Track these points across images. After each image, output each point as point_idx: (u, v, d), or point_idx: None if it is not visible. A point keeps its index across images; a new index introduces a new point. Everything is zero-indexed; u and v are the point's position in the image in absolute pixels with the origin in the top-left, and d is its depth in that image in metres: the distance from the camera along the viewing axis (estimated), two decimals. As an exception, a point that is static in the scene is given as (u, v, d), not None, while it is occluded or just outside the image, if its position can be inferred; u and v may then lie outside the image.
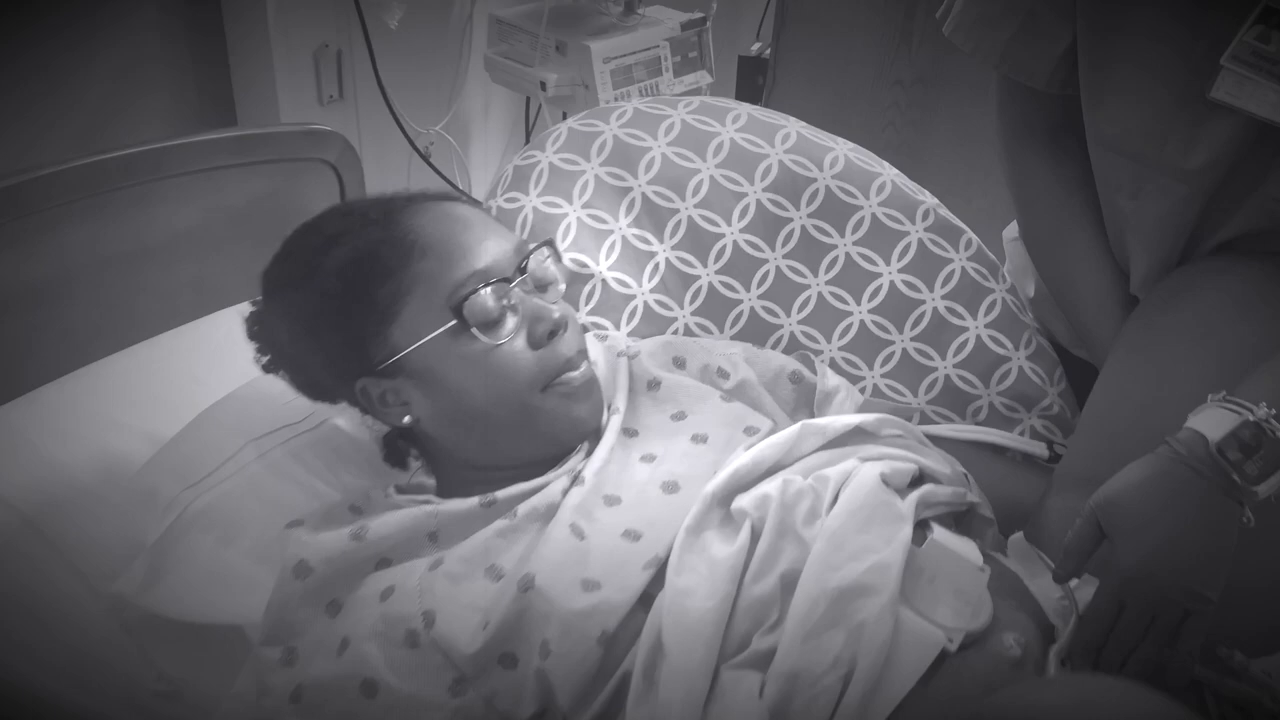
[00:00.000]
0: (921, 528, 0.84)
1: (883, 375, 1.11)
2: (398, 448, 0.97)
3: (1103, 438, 0.90)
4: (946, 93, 1.68)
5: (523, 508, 0.86)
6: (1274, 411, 0.75)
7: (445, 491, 0.93)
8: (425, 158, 1.92)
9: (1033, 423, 1.10)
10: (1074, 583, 0.81)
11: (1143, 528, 0.76)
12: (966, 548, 0.82)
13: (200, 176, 1.33)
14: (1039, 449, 1.06)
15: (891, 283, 1.12)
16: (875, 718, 0.72)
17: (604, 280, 1.10)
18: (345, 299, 0.87)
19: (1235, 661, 0.79)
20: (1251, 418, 0.75)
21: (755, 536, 0.80)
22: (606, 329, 1.10)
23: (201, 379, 1.13)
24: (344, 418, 1.05)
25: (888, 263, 1.12)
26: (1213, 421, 0.77)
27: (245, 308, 0.97)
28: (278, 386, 0.97)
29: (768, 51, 1.87)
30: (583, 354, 0.91)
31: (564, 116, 1.83)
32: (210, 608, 0.92)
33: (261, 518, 0.94)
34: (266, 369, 0.96)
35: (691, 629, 0.74)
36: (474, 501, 0.87)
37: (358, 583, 0.85)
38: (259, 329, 0.96)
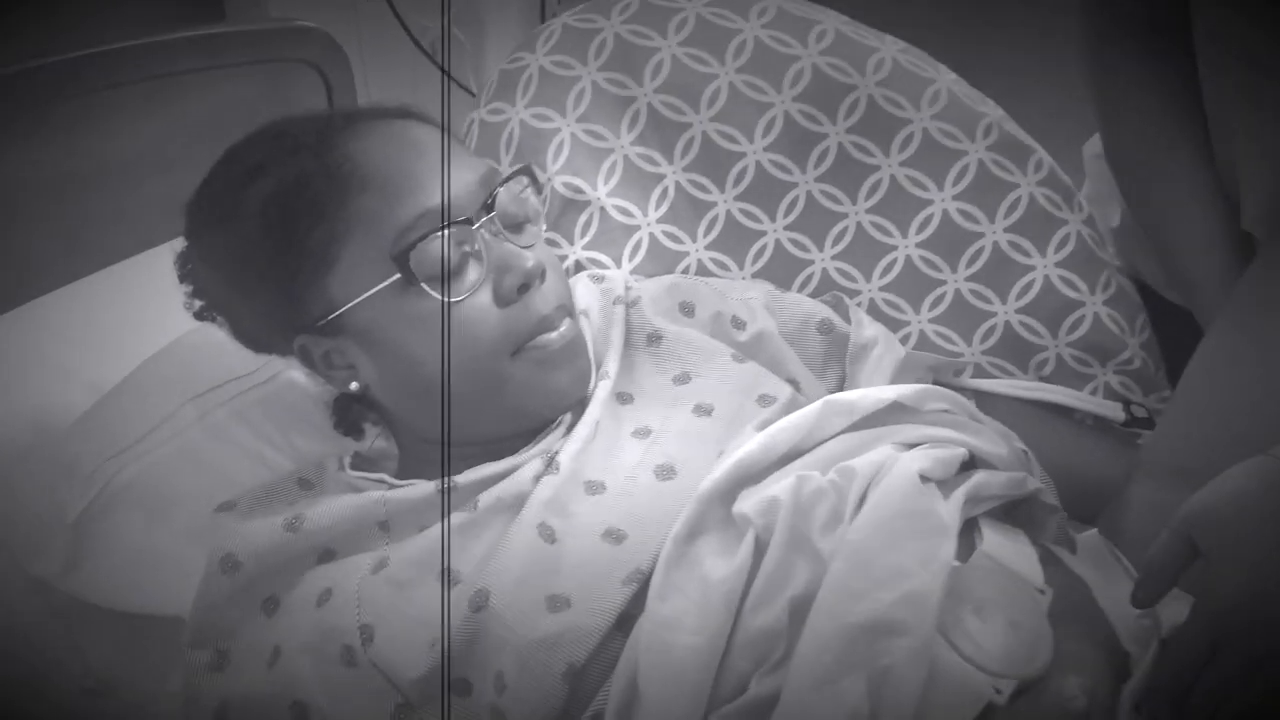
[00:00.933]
0: (969, 530, 0.68)
1: (930, 321, 0.95)
2: (350, 413, 0.83)
3: (1205, 422, 0.76)
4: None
5: (485, 497, 0.72)
6: None
7: (407, 467, 0.81)
8: (431, 57, 1.74)
9: (1108, 379, 0.95)
10: (1162, 604, 0.65)
11: (1249, 550, 0.60)
12: (1024, 560, 0.67)
13: (163, 83, 1.18)
14: (1114, 410, 0.92)
15: (945, 211, 0.95)
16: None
17: (603, 208, 0.95)
18: (272, 243, 0.73)
19: None
20: None
21: (760, 551, 0.64)
22: (605, 267, 0.94)
23: (155, 319, 1.00)
24: (301, 369, 0.91)
25: (940, 188, 0.95)
26: None
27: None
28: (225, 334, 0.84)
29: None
30: (563, 310, 0.77)
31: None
32: (142, 595, 0.81)
33: (198, 492, 0.83)
34: (199, 316, 0.84)
35: (675, 671, 0.60)
36: (430, 487, 0.74)
37: (296, 578, 0.73)
38: (190, 269, 0.82)
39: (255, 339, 0.82)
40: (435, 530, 0.72)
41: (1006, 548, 0.67)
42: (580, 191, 0.94)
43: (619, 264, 0.95)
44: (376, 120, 0.77)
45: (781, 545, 0.64)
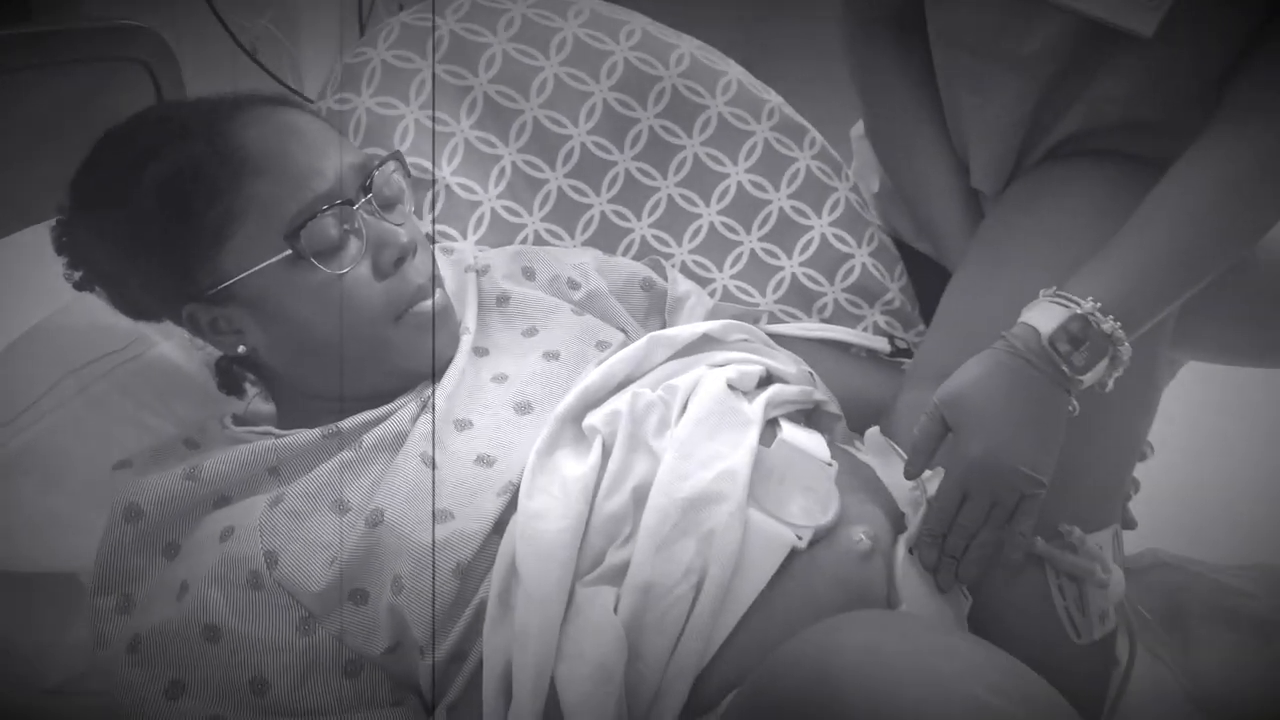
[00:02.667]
0: (771, 428, 0.84)
1: (732, 277, 1.10)
2: (232, 374, 0.90)
3: (957, 335, 0.91)
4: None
5: (369, 438, 0.81)
6: (1099, 305, 0.77)
7: (286, 421, 0.87)
8: (251, 55, 1.77)
9: (876, 318, 1.12)
10: (925, 474, 0.82)
11: (983, 420, 0.78)
12: (815, 444, 0.83)
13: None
14: (881, 344, 1.08)
15: (739, 183, 1.10)
16: (728, 621, 0.72)
17: (448, 186, 1.05)
18: (167, 221, 0.79)
19: (1074, 537, 0.83)
20: (1079, 310, 0.77)
21: (606, 453, 0.78)
22: (454, 239, 1.04)
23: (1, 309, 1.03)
24: (171, 342, 0.97)
25: (735, 163, 1.10)
26: (1044, 315, 0.78)
27: (51, 223, 0.87)
28: (92, 314, 0.88)
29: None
30: (434, 281, 0.86)
31: (400, 7, 1.72)
32: (39, 555, 0.85)
33: (88, 457, 0.87)
34: (79, 286, 0.87)
35: (545, 551, 0.72)
36: (316, 433, 0.82)
37: (195, 524, 0.79)
38: (68, 241, 0.86)
39: (139, 308, 0.87)
40: (325, 467, 0.80)
41: (800, 435, 0.83)
42: (426, 172, 1.04)
43: (465, 236, 1.05)
44: (262, 107, 0.83)
45: (623, 446, 0.78)
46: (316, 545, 0.76)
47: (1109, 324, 0.77)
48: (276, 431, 0.84)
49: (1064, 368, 0.77)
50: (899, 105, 1.06)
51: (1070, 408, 0.78)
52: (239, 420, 0.89)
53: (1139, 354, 0.80)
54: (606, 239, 1.08)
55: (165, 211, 0.78)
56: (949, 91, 1.01)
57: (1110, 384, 0.79)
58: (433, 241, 1.03)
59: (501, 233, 1.06)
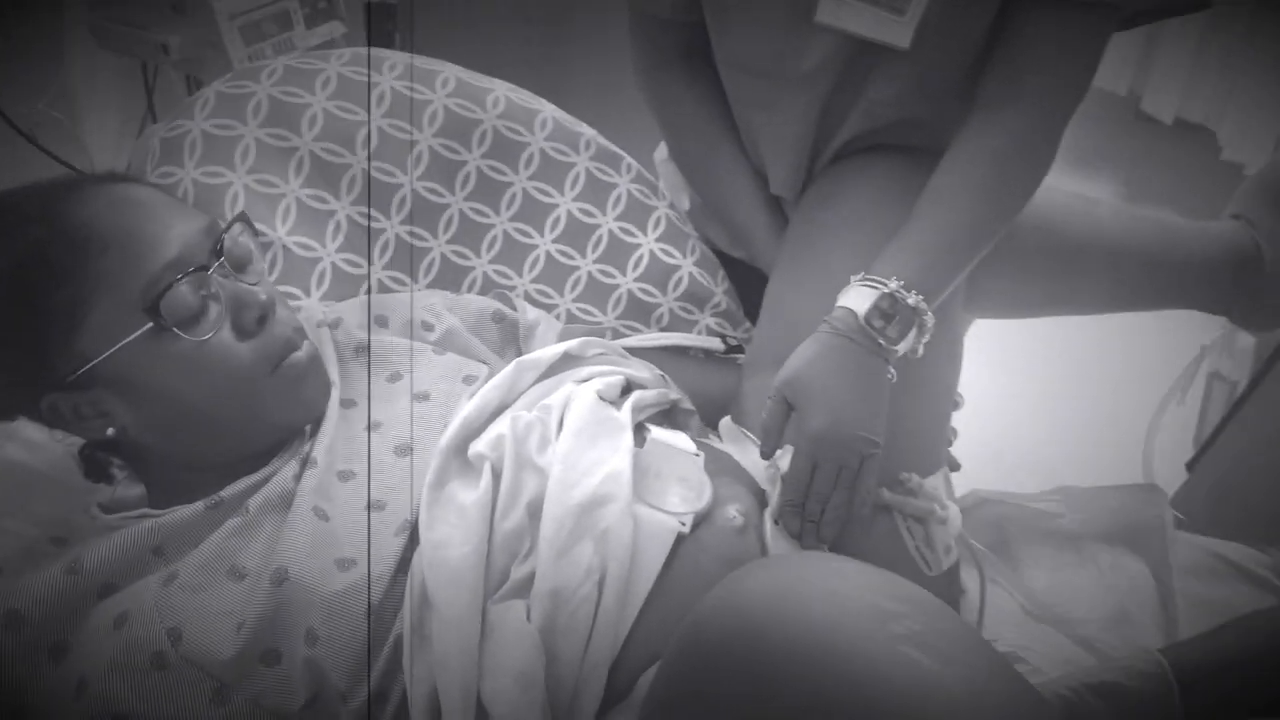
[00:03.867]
0: (639, 430, 0.90)
1: (574, 300, 1.16)
2: (97, 460, 0.88)
3: (784, 324, 0.99)
4: (579, 28, 1.72)
5: (254, 501, 0.81)
6: (902, 283, 0.88)
7: (159, 500, 0.86)
8: (31, 139, 1.69)
9: (707, 321, 1.20)
10: (778, 453, 0.91)
11: (819, 395, 0.87)
12: (680, 440, 0.90)
13: None
14: (715, 344, 1.15)
15: (569, 212, 1.16)
16: (631, 610, 0.78)
17: (285, 246, 1.05)
18: (15, 312, 0.77)
19: (913, 483, 0.93)
20: (887, 290, 0.88)
21: (497, 476, 0.82)
22: (298, 298, 1.05)
23: None
24: (14, 443, 0.93)
25: (562, 193, 1.16)
26: (858, 297, 0.88)
27: None
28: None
29: (396, -6, 1.81)
30: (300, 331, 0.87)
31: (190, 81, 1.69)
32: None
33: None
34: None
35: (453, 576, 0.75)
36: (199, 505, 0.81)
37: (82, 619, 0.77)
38: None
39: None
40: (215, 537, 0.79)
41: (666, 434, 0.90)
42: (262, 234, 1.05)
43: (309, 293, 1.06)
44: (96, 185, 0.82)
45: (511, 467, 0.82)
46: (220, 614, 0.76)
47: (913, 298, 0.88)
48: (153, 511, 0.83)
49: (880, 341, 0.87)
50: (697, 130, 1.15)
51: (890, 374, 0.89)
52: (106, 508, 0.86)
53: (940, 319, 0.91)
54: (450, 279, 1.12)
55: (12, 302, 0.77)
56: (740, 111, 1.11)
57: (920, 349, 0.90)
58: (369, 291, 1.03)
59: (345, 285, 1.08)
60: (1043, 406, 2.01)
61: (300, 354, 0.85)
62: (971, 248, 0.94)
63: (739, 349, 1.16)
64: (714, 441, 0.97)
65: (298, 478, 0.83)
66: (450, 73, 1.15)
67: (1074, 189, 1.14)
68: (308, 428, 0.88)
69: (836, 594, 0.63)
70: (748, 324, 1.21)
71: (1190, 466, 1.29)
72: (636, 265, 1.17)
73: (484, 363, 0.98)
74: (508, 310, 1.05)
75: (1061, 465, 1.30)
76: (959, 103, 0.99)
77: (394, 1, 1.79)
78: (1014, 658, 0.95)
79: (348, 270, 1.08)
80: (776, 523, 0.88)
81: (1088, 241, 1.12)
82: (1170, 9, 0.99)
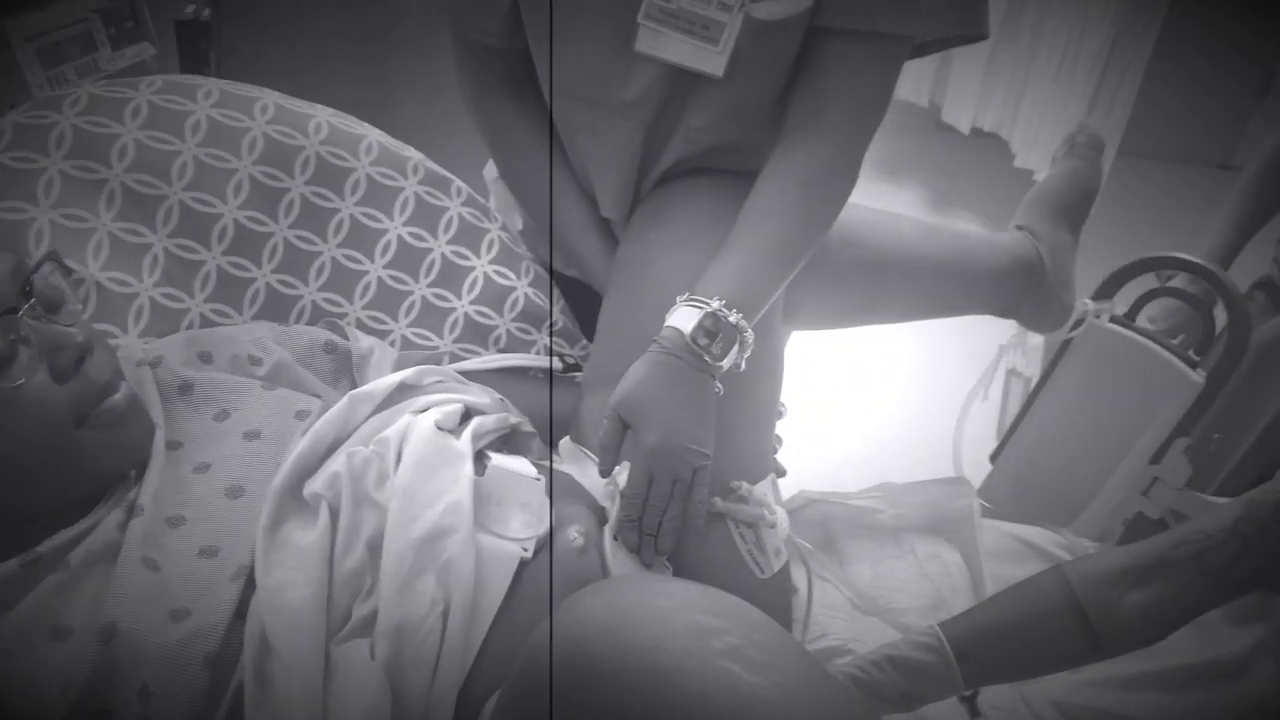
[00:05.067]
0: (480, 458, 0.90)
1: (408, 326, 1.15)
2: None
3: (619, 343, 1.02)
4: (404, 47, 1.70)
5: (76, 555, 0.77)
6: (724, 302, 0.92)
7: None
8: None
9: (545, 340, 1.21)
10: (616, 470, 0.93)
11: (652, 413, 0.89)
12: (521, 465, 0.90)
13: None
14: (555, 362, 1.16)
15: (399, 237, 1.15)
16: (476, 639, 0.78)
17: (98, 284, 1.00)
18: None
19: (743, 490, 0.97)
20: (710, 309, 0.91)
21: (334, 515, 0.81)
22: (114, 335, 1.00)
23: None
24: None
25: (391, 218, 1.14)
26: (684, 317, 0.91)
27: None
28: None
29: (206, 13, 1.74)
30: (119, 374, 0.83)
31: (-13, 102, 1.57)
32: None
33: None
34: None
35: (294, 620, 0.74)
36: (13, 564, 0.76)
37: None
38: None
39: None
40: (32, 597, 0.75)
41: (507, 460, 0.90)
42: (72, 272, 0.99)
43: (125, 331, 1.01)
44: None
45: (349, 505, 0.81)
46: (42, 678, 0.72)
47: (734, 316, 0.91)
48: None
49: (706, 358, 0.90)
50: (526, 153, 1.16)
51: (717, 389, 0.92)
52: None
53: (761, 334, 0.96)
54: (276, 309, 1.09)
55: None
56: (568, 136, 1.12)
57: (743, 364, 0.94)
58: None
59: (164, 321, 1.03)
60: (861, 409, 2.13)
61: (118, 397, 0.81)
62: (786, 266, 0.99)
63: (577, 367, 1.18)
64: (554, 462, 0.98)
65: (123, 526, 0.79)
66: (269, 99, 1.11)
67: (885, 196, 1.22)
68: (132, 473, 0.84)
69: (662, 614, 0.66)
70: (585, 342, 1.23)
71: (993, 458, 1.40)
72: (471, 288, 1.17)
73: (316, 396, 0.96)
74: (339, 340, 1.03)
75: (880, 463, 1.38)
76: (770, 128, 1.04)
77: (206, 19, 1.72)
78: (843, 650, 1.00)
79: (167, 305, 1.04)
80: (615, 538, 0.90)
81: (893, 255, 1.19)
82: (954, 40, 1.07)
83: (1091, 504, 1.29)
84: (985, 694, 0.97)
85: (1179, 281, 1.34)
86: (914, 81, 3.26)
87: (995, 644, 0.88)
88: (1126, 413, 1.28)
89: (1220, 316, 1.30)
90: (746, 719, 0.60)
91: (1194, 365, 1.25)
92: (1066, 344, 1.32)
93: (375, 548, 0.79)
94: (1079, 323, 1.29)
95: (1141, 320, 1.33)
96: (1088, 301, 1.31)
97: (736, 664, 0.62)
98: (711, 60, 0.99)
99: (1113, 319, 1.31)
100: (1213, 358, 1.27)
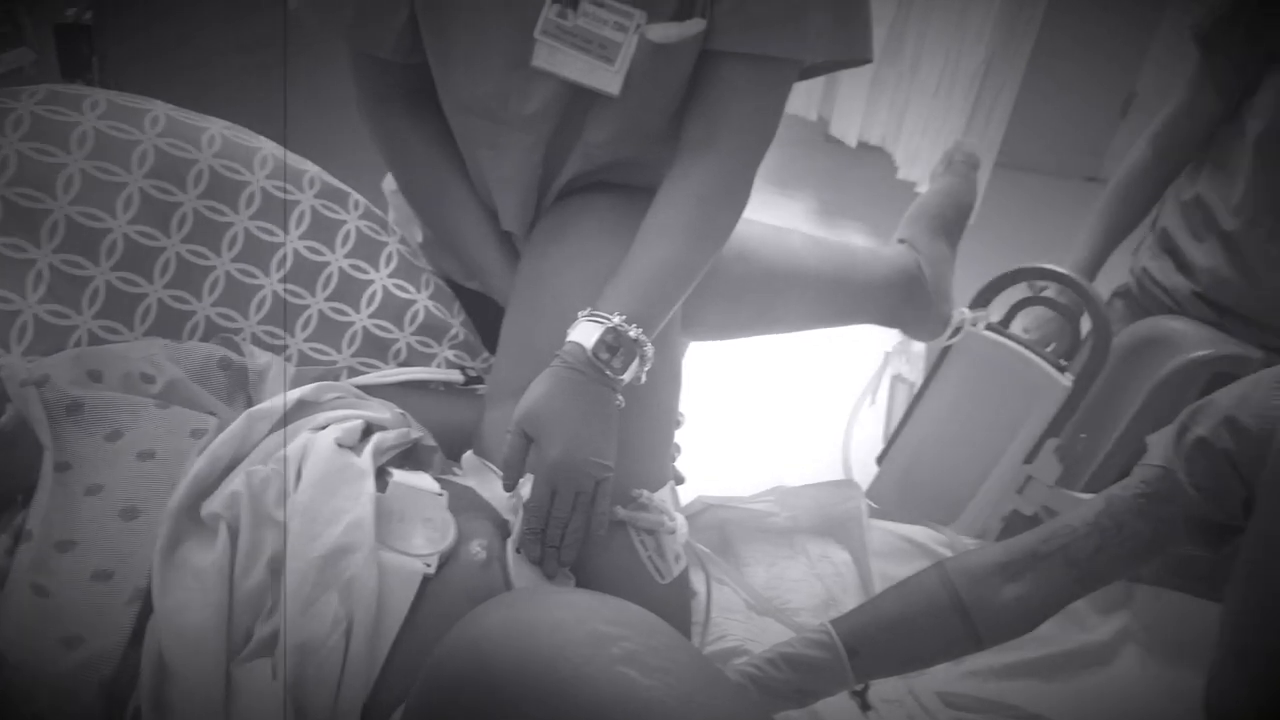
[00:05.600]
0: (381, 474, 0.90)
1: (305, 340, 1.13)
2: None
3: (521, 356, 1.02)
4: (299, 57, 1.67)
5: None
6: (624, 317, 0.94)
7: None
8: None
9: (446, 354, 1.21)
10: (520, 483, 0.93)
11: (555, 427, 0.91)
12: (423, 480, 0.91)
13: None
14: (455, 376, 1.17)
15: (295, 250, 1.13)
16: (380, 656, 0.78)
17: (-24, 301, 0.96)
18: None
19: (644, 499, 0.99)
20: (610, 324, 0.93)
21: (234, 535, 0.80)
22: (-8, 356, 0.96)
23: None
24: None
25: (287, 232, 1.13)
26: (585, 332, 0.93)
27: None
28: None
29: (88, 16, 1.67)
30: (2, 396, 0.80)
31: None
32: None
33: None
34: None
35: (193, 642, 0.73)
36: None
37: None
38: None
39: None
40: None
41: (409, 476, 0.90)
42: None
43: (8, 349, 0.97)
44: None
45: (249, 524, 0.80)
46: None
47: (634, 331, 0.94)
48: None
49: (608, 372, 0.92)
50: (425, 167, 1.15)
51: (618, 402, 0.94)
52: None
53: (660, 346, 0.98)
54: (169, 326, 1.06)
55: None
56: (468, 150, 1.13)
57: (643, 377, 0.96)
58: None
59: (50, 338, 1.00)
60: (757, 417, 2.19)
61: (2, 420, 0.78)
62: (684, 281, 1.01)
63: (479, 380, 1.18)
64: (457, 476, 0.98)
65: (10, 552, 0.77)
66: (160, 110, 1.09)
67: (777, 208, 1.26)
68: (19, 497, 0.82)
69: (561, 624, 0.67)
70: (486, 354, 1.23)
71: (879, 460, 1.45)
72: (370, 301, 1.16)
73: (212, 414, 0.94)
74: (235, 356, 1.02)
75: (775, 468, 1.42)
76: (668, 145, 1.06)
77: (88, 23, 1.66)
78: (740, 650, 1.03)
79: (52, 322, 1.00)
80: (519, 551, 0.91)
81: (784, 268, 1.24)
82: (840, 64, 1.12)
83: (971, 503, 1.35)
84: (875, 688, 1.02)
85: (1050, 291, 1.42)
86: (803, 97, 3.35)
87: (883, 638, 0.92)
88: (1002, 415, 1.35)
89: (1085, 323, 1.38)
90: None
91: (1062, 370, 1.32)
92: (945, 351, 1.39)
93: (277, 567, 0.79)
94: (957, 330, 1.35)
95: (1015, 327, 1.40)
96: (965, 310, 1.37)
97: (633, 669, 0.64)
98: (607, 78, 1.01)
99: (988, 327, 1.38)
100: (1079, 362, 1.35)
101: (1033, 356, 1.33)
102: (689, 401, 1.14)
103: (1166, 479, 0.90)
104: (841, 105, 3.28)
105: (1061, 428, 1.31)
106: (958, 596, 0.92)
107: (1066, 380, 1.31)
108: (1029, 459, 1.32)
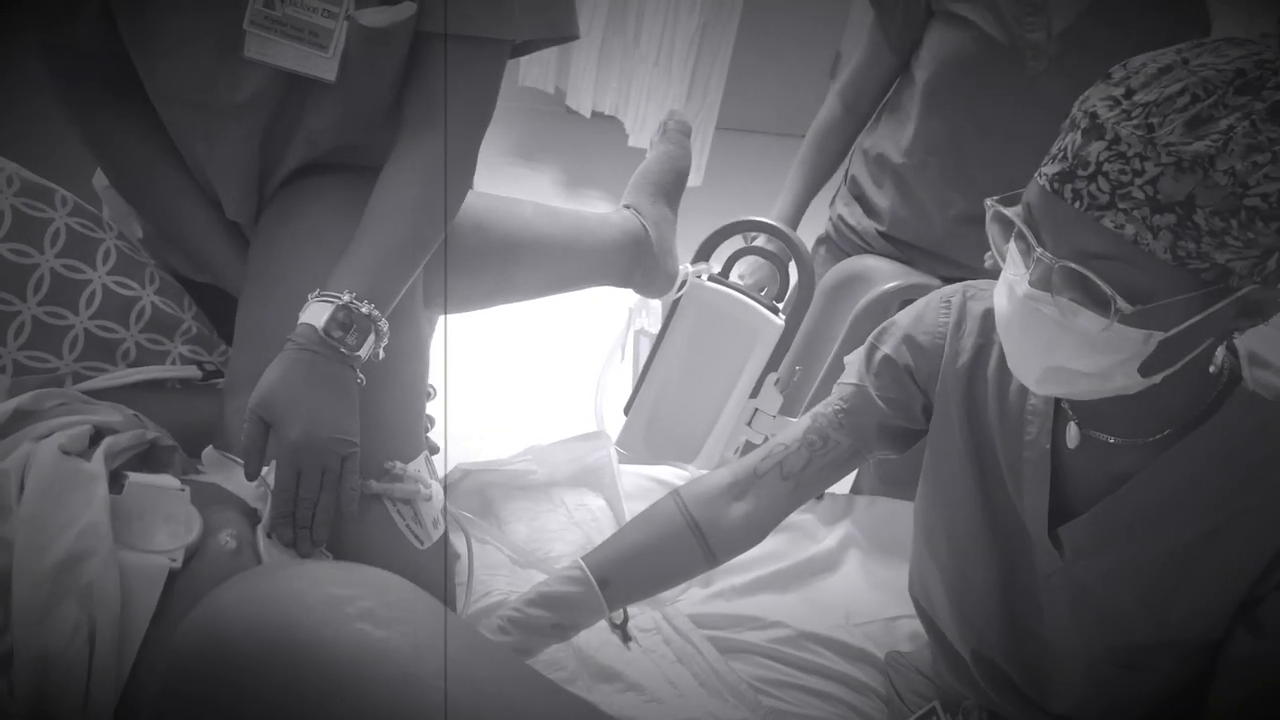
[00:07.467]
0: (117, 477, 0.86)
1: (20, 349, 1.05)
2: None
3: (257, 344, 1.00)
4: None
5: None
6: (355, 295, 0.94)
7: None
8: None
9: (180, 349, 1.15)
10: (264, 470, 0.92)
11: (291, 409, 0.90)
12: (162, 479, 0.88)
13: None
14: (192, 371, 1.13)
15: (-3, 256, 1.04)
16: (128, 657, 0.76)
17: None
18: None
19: (397, 470, 1.00)
20: (341, 302, 0.93)
21: None
22: None
23: None
24: None
25: (-18, 236, 1.04)
26: (316, 313, 0.93)
27: None
28: None
29: None
30: None
31: None
32: None
33: None
34: None
35: None
36: None
37: None
38: None
39: None
40: None
41: (148, 476, 0.87)
42: None
43: None
44: None
45: (-35, 544, 0.75)
46: None
47: (366, 307, 0.94)
48: None
49: (342, 350, 0.93)
50: (136, 162, 1.10)
51: (358, 379, 0.95)
52: None
53: (399, 322, 0.99)
54: None
55: None
56: (181, 141, 1.08)
57: (381, 353, 0.97)
58: None
59: None
60: (518, 384, 2.23)
61: None
62: (413, 256, 1.02)
63: (218, 373, 1.14)
64: (200, 473, 0.96)
65: None
66: None
67: (522, 180, 1.28)
68: None
69: (296, 593, 0.68)
70: (224, 347, 1.19)
71: (626, 410, 1.53)
72: (90, 302, 1.10)
73: None
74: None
75: (537, 430, 1.46)
76: (391, 128, 1.07)
77: None
78: (506, 604, 1.07)
79: None
80: (270, 536, 0.90)
81: (519, 236, 1.27)
82: (551, 40, 1.15)
83: (708, 440, 1.46)
84: (633, 621, 1.08)
85: (761, 240, 1.53)
86: (540, 69, 3.38)
87: (631, 565, 0.99)
88: (728, 357, 1.45)
89: (793, 269, 1.51)
90: (380, 671, 0.65)
91: (776, 311, 1.44)
92: (675, 304, 1.47)
93: (5, 584, 0.74)
94: (683, 284, 1.44)
95: (733, 276, 1.51)
96: (688, 265, 1.46)
97: (367, 623, 0.67)
98: (322, 65, 1.00)
99: (710, 278, 1.47)
100: (790, 303, 1.48)
101: (750, 301, 1.45)
102: (453, 374, 1.15)
103: (860, 394, 1.00)
104: (575, 77, 3.33)
105: (779, 363, 1.43)
106: (692, 518, 1.00)
107: (780, 320, 1.43)
108: (754, 394, 1.43)
